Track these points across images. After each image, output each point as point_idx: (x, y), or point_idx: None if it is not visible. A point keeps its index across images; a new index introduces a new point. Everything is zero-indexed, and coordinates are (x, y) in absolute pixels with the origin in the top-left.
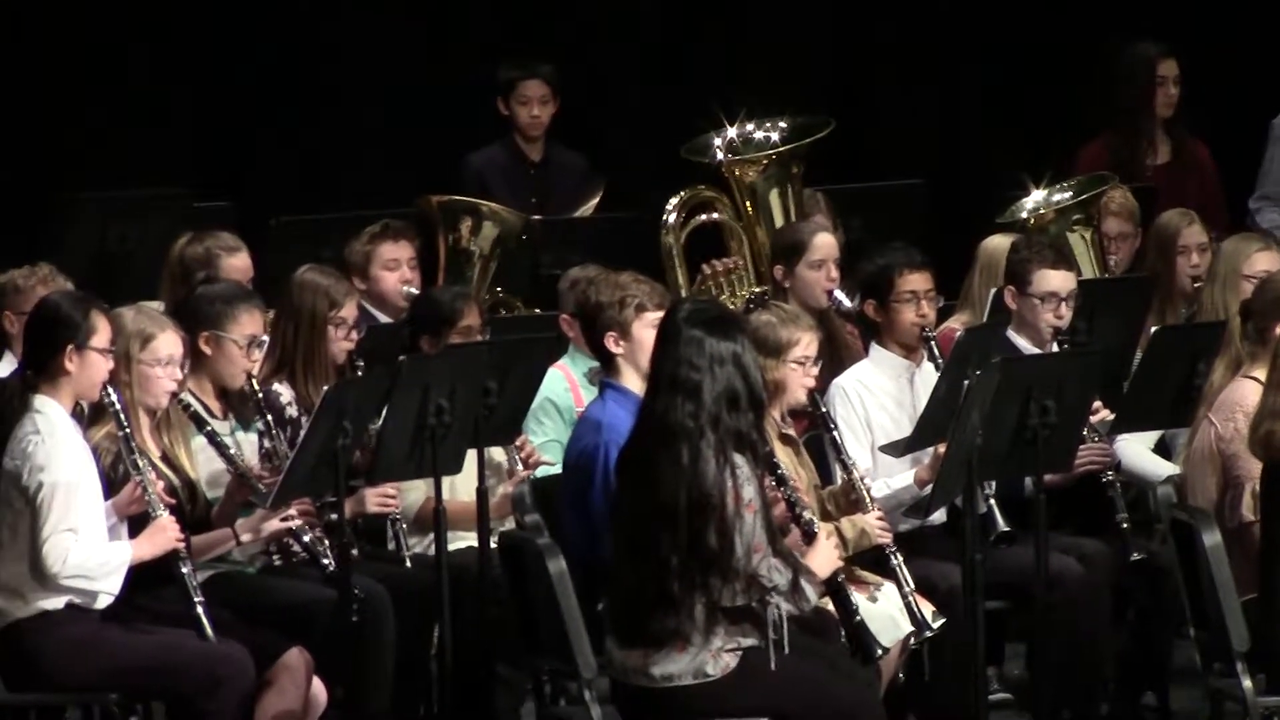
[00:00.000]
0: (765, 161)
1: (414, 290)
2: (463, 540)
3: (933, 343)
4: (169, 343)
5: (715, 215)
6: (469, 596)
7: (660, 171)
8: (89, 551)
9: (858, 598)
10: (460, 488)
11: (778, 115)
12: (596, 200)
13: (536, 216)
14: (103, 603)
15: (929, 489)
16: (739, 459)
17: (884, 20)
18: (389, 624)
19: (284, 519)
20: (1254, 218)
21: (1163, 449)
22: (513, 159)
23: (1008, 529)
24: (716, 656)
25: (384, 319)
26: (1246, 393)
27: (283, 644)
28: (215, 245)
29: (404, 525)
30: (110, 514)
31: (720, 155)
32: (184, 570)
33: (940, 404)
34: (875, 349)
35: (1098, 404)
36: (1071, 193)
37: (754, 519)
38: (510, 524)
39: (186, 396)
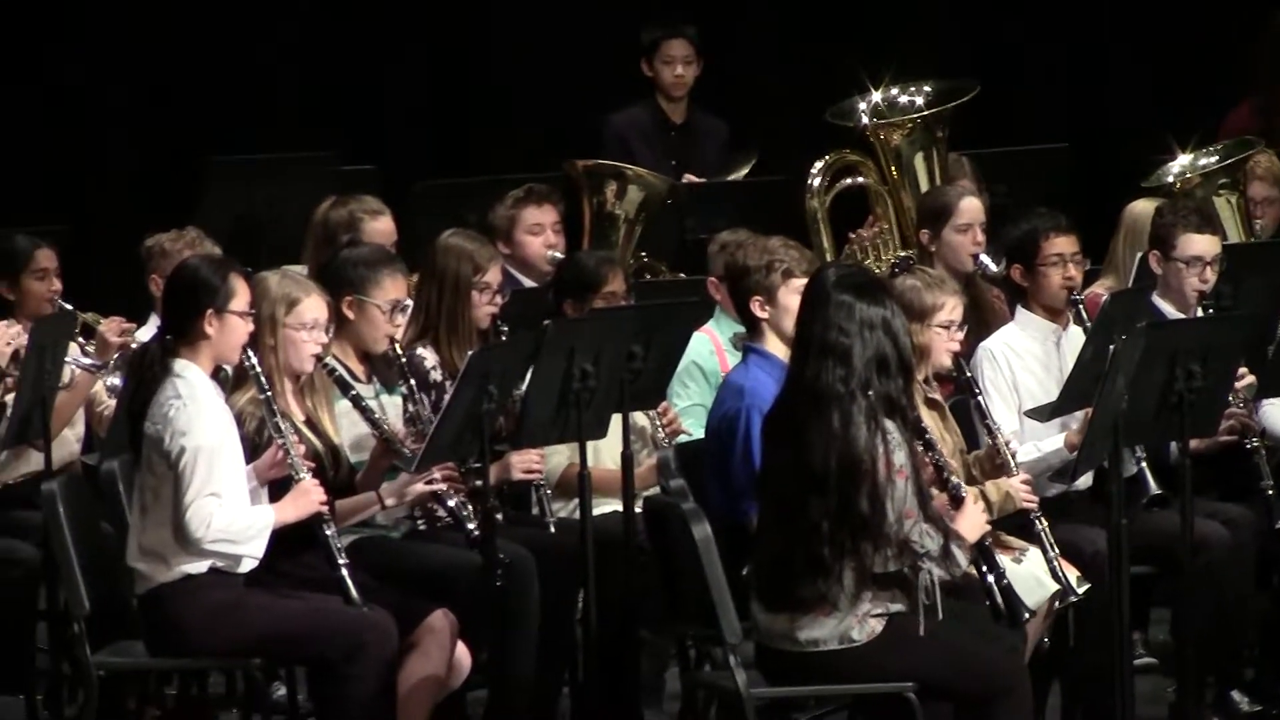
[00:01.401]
0: (910, 125)
1: (558, 254)
2: (607, 505)
3: (1080, 306)
4: (314, 307)
5: (860, 179)
6: (613, 561)
7: (805, 135)
8: (232, 516)
9: (1003, 561)
10: (604, 452)
11: (922, 79)
12: (746, 170)
13: (685, 179)
14: (246, 567)
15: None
16: (889, 424)
17: None
18: (533, 589)
19: (428, 484)
20: None
21: None
22: (654, 120)
23: (1160, 492)
24: (863, 622)
25: (528, 283)
26: None
27: (427, 608)
28: (359, 209)
29: (548, 490)
30: (252, 478)
31: (865, 119)
32: (327, 534)
33: (1086, 369)
34: (1021, 312)
35: (1243, 369)
36: (1217, 157)
37: (905, 484)
38: (655, 489)
39: (330, 360)
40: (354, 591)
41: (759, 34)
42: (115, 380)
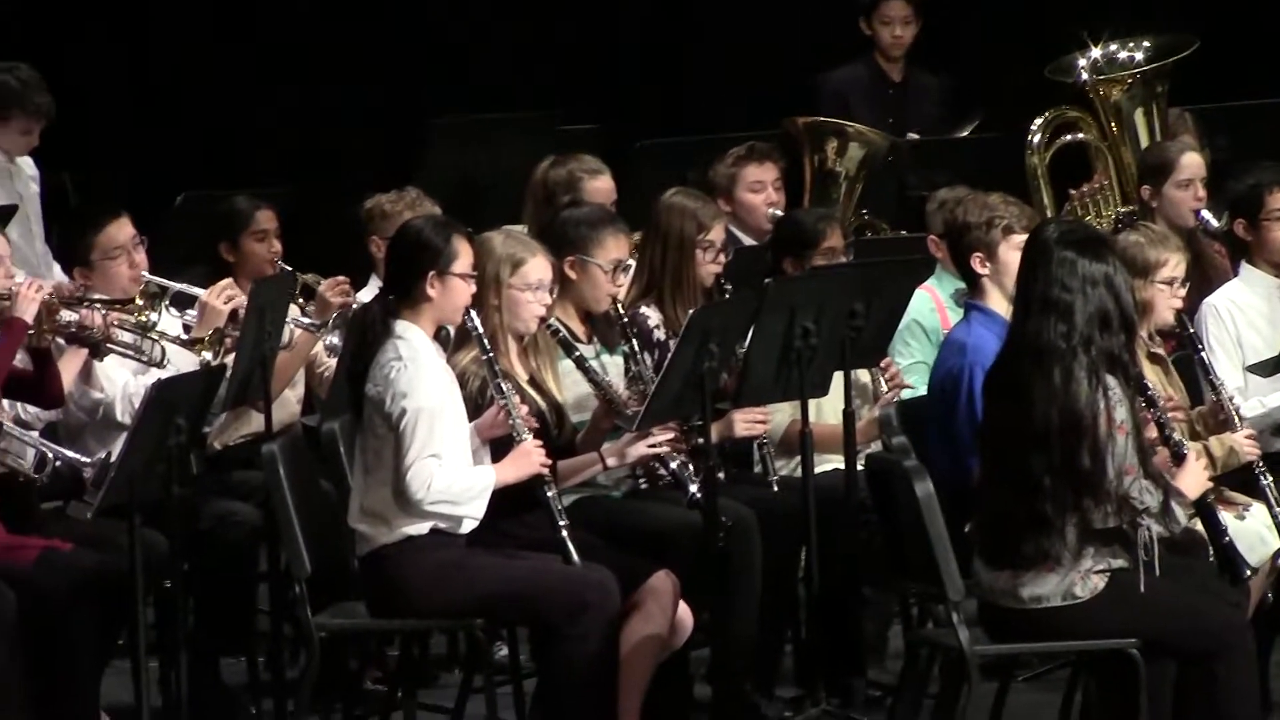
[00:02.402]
0: (1129, 81)
1: (779, 212)
2: (829, 463)
3: None
4: (539, 267)
5: (1080, 135)
6: (835, 519)
7: (1025, 92)
8: (453, 477)
9: (1225, 517)
10: (826, 410)
11: (1141, 34)
12: (968, 130)
13: (911, 135)
14: (467, 528)
15: None
16: (1111, 380)
17: None
18: (756, 548)
19: (651, 445)
20: None
21: None
22: (873, 79)
23: None
24: (1085, 578)
25: (749, 241)
26: None
27: (649, 567)
28: (578, 168)
29: (770, 448)
30: (474, 437)
31: (1084, 75)
32: (549, 495)
33: None
34: (1245, 268)
35: None
36: None
37: (1126, 440)
38: (877, 446)
39: (554, 321)
40: (574, 553)
41: None
42: (335, 341)
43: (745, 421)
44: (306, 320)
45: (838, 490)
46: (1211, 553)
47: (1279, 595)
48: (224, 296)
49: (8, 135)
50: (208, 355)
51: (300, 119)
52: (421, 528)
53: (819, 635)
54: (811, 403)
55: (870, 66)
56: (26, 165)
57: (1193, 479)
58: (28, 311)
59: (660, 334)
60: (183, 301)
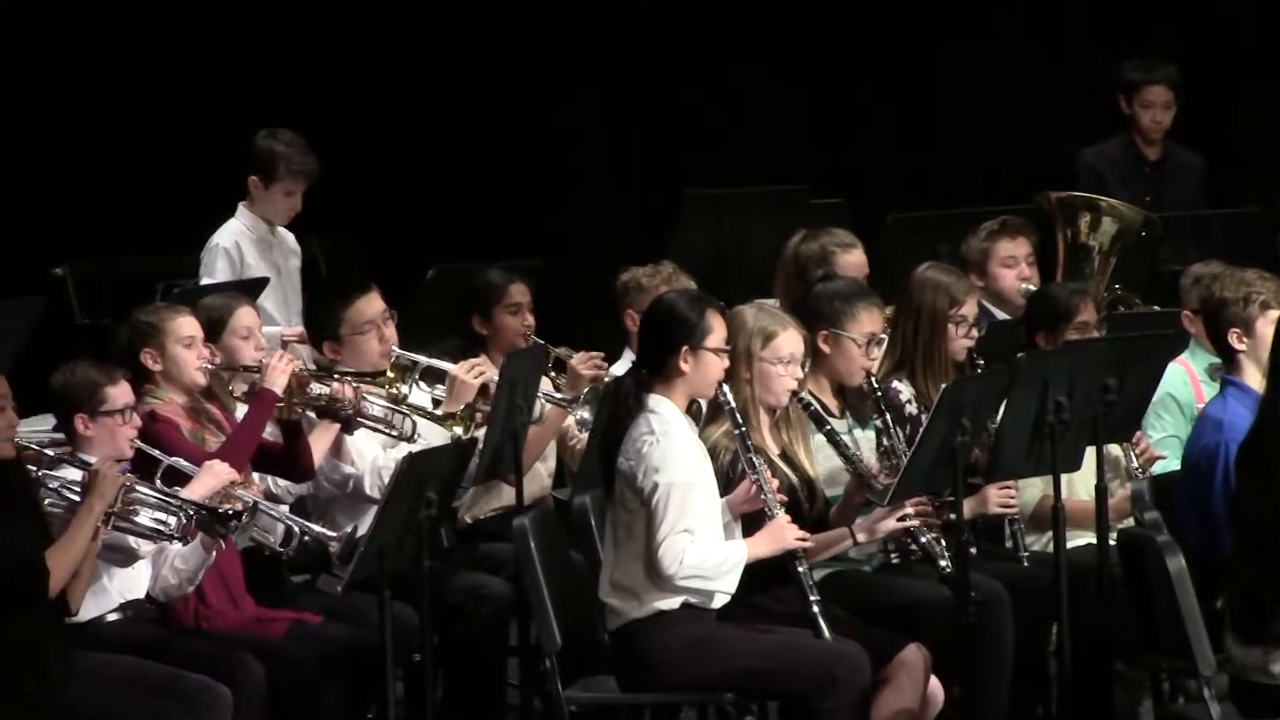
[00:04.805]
0: None
1: (1032, 287)
2: (1081, 538)
3: None
4: (790, 341)
5: None
6: (1087, 594)
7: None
8: (705, 552)
9: None
10: (1077, 485)
11: None
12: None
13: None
14: (719, 602)
15: None
16: None
17: None
18: (1007, 623)
19: (901, 519)
20: None
21: None
22: (1129, 157)
23: None
24: None
25: (1002, 316)
26: None
27: (900, 642)
28: (830, 242)
29: (1021, 523)
30: (725, 512)
31: None
32: (800, 570)
33: None
34: None
35: None
36: None
37: None
38: (1129, 521)
39: (806, 395)
40: (825, 628)
41: (1234, 64)
42: (586, 415)
43: (1000, 497)
44: (558, 394)
45: (1089, 565)
46: None
47: None
48: (474, 372)
49: (270, 201)
50: (458, 430)
51: (554, 191)
52: (673, 602)
53: (1070, 710)
54: (1063, 477)
55: (1127, 144)
56: (288, 238)
57: None
58: (277, 384)
59: (912, 408)
60: (433, 376)
